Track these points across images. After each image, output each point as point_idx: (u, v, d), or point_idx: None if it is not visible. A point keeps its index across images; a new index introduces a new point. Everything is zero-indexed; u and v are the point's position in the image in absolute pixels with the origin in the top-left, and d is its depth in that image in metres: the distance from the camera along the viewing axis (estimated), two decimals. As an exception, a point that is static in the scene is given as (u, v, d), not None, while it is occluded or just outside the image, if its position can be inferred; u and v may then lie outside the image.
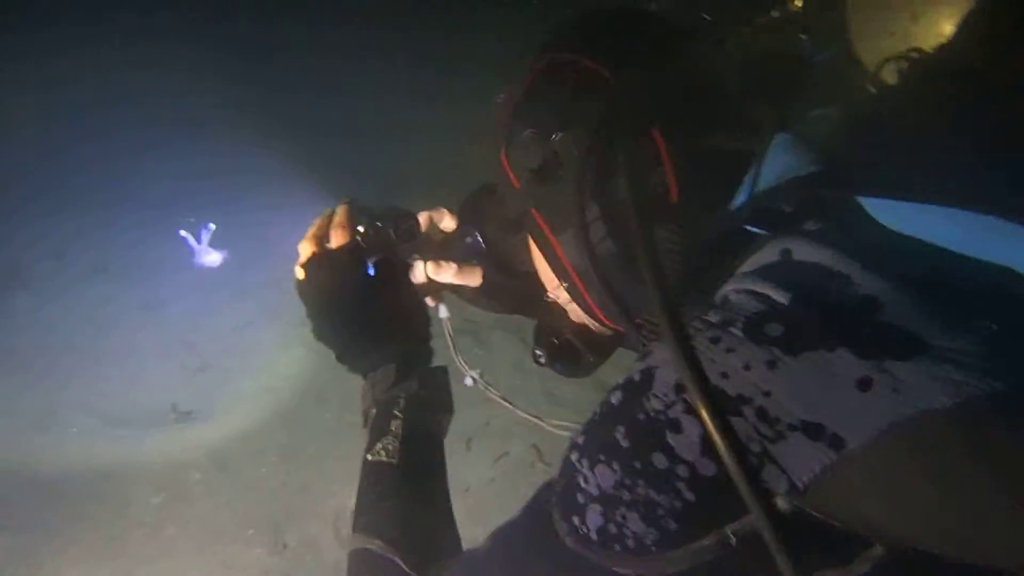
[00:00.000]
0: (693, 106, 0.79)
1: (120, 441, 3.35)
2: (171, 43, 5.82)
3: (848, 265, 0.63)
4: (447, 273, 1.04)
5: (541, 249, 0.86)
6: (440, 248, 1.06)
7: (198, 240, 4.34)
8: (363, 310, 1.00)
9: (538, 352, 1.02)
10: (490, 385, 1.13)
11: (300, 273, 1.03)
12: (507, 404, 1.15)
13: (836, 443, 0.56)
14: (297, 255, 1.05)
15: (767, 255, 0.71)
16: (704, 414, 0.56)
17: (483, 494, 3.13)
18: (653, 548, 0.60)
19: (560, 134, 0.78)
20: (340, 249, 1.01)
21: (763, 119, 0.78)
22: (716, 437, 0.55)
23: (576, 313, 0.92)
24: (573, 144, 0.77)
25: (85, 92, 5.34)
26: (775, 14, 0.96)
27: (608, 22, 0.85)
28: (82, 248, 4.47)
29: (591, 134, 0.76)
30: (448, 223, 1.07)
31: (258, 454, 3.33)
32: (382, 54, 5.58)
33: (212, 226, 4.33)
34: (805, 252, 0.67)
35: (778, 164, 0.74)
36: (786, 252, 0.69)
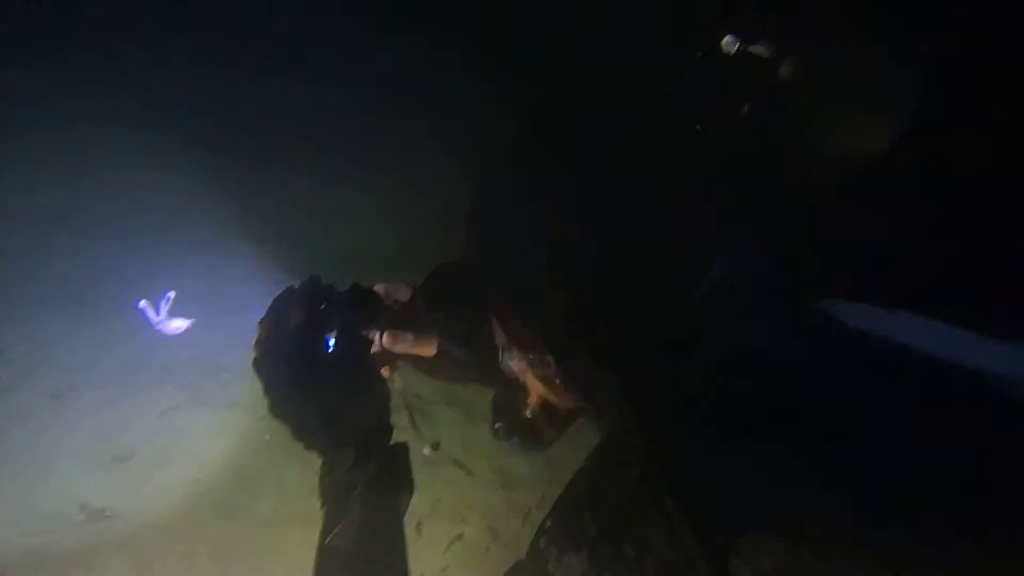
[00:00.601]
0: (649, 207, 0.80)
1: (30, 552, 2.99)
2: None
3: (792, 355, 0.64)
4: (403, 344, 1.04)
5: (506, 330, 0.86)
6: (396, 319, 1.06)
7: (156, 310, 4.06)
8: (322, 388, 0.99)
9: (497, 425, 1.04)
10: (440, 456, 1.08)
11: (257, 350, 1.03)
12: (468, 472, 1.11)
13: (796, 535, 0.57)
14: (255, 332, 1.05)
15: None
16: (674, 507, 0.55)
17: (437, 585, 2.95)
18: None
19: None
20: (300, 326, 1.00)
21: (717, 215, 0.79)
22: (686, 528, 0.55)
23: (537, 388, 0.94)
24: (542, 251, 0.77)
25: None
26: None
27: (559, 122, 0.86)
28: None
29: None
30: (404, 294, 1.08)
31: (186, 555, 3.04)
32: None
33: (172, 294, 4.07)
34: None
35: (737, 260, 0.76)
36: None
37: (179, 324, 4.06)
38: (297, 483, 3.33)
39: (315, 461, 3.44)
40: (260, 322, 1.07)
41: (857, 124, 0.84)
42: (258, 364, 1.03)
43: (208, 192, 4.94)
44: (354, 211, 4.76)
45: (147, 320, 4.03)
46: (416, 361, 1.12)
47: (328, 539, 0.95)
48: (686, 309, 0.75)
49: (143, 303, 4.00)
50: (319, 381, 1.01)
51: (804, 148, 0.89)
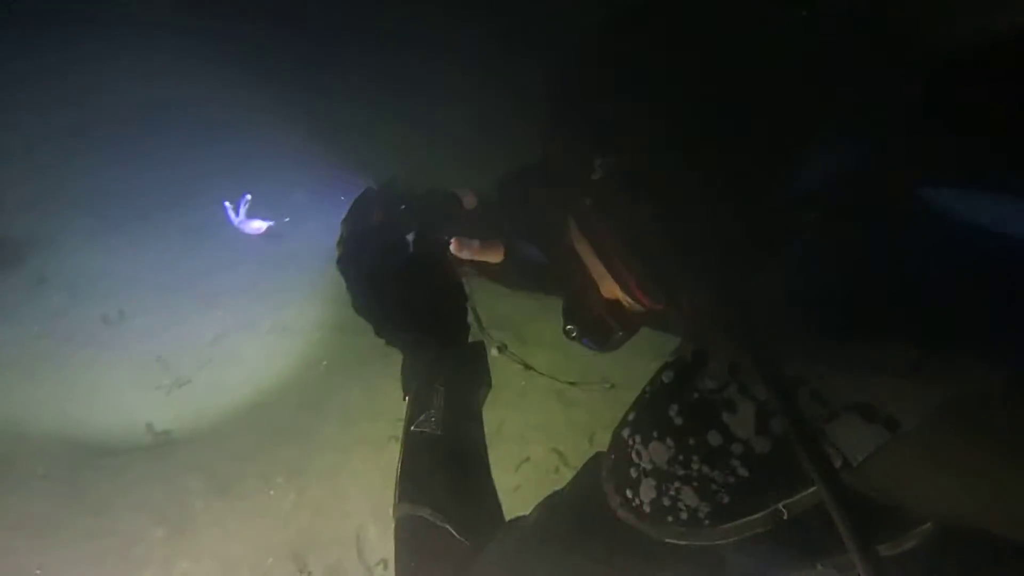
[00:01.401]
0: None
1: (102, 471, 3.05)
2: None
3: (892, 249, 0.63)
4: (468, 250, 1.06)
5: (581, 225, 0.88)
6: (463, 225, 1.08)
7: (236, 211, 4.10)
8: (405, 286, 1.02)
9: (569, 327, 1.04)
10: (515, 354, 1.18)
11: (340, 249, 1.04)
12: (539, 372, 1.21)
13: (891, 424, 0.57)
14: (337, 232, 1.06)
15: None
16: (769, 394, 0.58)
17: (510, 503, 3.06)
18: (706, 521, 0.62)
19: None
20: (383, 226, 1.03)
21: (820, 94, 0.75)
22: (780, 414, 0.57)
23: (609, 289, 0.94)
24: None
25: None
26: None
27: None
28: (20, 256, 4.02)
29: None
30: (470, 201, 1.09)
31: (260, 476, 3.11)
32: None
33: (249, 196, 4.11)
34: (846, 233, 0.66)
35: (834, 153, 0.72)
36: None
37: (259, 225, 4.12)
38: (360, 405, 3.39)
39: (373, 385, 3.39)
40: (342, 221, 1.07)
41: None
42: (341, 262, 1.05)
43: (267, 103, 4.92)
44: (428, 118, 4.63)
45: (228, 219, 4.08)
46: (482, 267, 1.11)
47: (413, 426, 0.97)
48: (781, 201, 0.74)
49: (227, 203, 4.06)
50: (402, 278, 1.03)
51: (922, 31, 0.81)
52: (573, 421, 3.35)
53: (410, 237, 1.04)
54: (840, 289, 0.62)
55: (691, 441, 0.63)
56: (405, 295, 1.02)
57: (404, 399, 1.04)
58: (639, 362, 1.15)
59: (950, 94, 0.71)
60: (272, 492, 3.04)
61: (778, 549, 0.63)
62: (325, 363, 3.62)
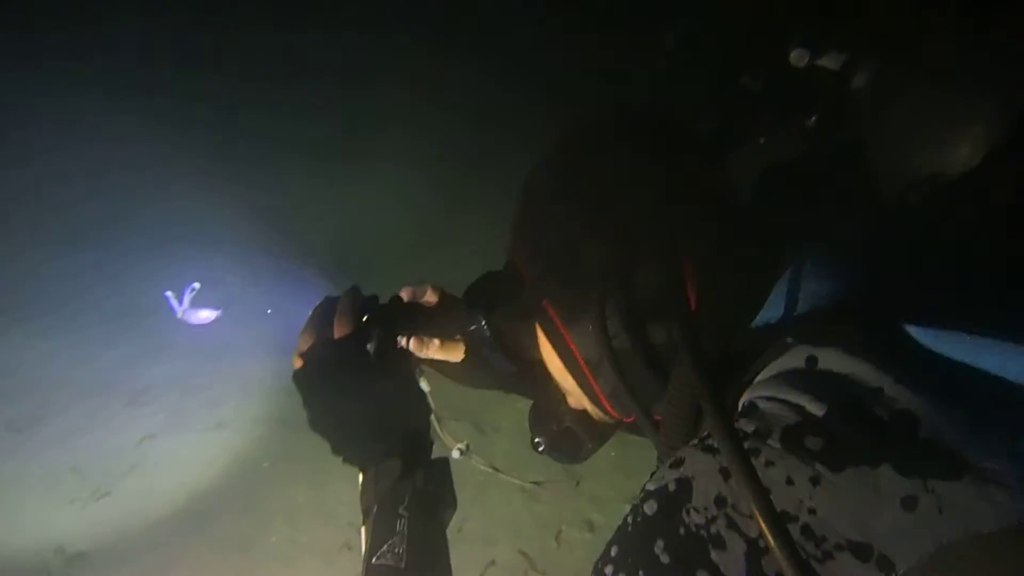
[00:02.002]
0: (713, 221, 0.83)
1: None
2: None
3: (880, 377, 0.62)
4: (430, 349, 1.05)
5: (550, 339, 0.89)
6: (422, 323, 1.07)
7: (180, 301, 3.79)
8: (367, 401, 0.99)
9: (537, 440, 1.04)
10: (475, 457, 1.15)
11: (298, 362, 1.01)
12: (500, 472, 1.17)
13: (885, 566, 0.56)
14: (293, 342, 1.03)
15: (790, 361, 0.70)
16: (769, 535, 0.55)
17: (478, 614, 2.81)
18: None
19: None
20: (345, 338, 1.00)
21: (786, 228, 0.81)
22: (781, 555, 0.55)
23: (577, 401, 0.94)
24: (595, 258, 0.83)
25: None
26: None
27: (619, 128, 0.90)
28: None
29: (611, 249, 0.82)
30: (430, 298, 1.08)
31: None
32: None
33: (196, 285, 3.79)
34: (832, 361, 0.66)
35: (816, 284, 0.74)
36: (811, 360, 0.68)
37: (207, 315, 3.81)
38: (308, 509, 3.10)
39: (322, 486, 3.11)
40: (301, 332, 1.03)
41: (934, 137, 0.84)
42: (299, 376, 1.00)
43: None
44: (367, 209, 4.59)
45: (171, 309, 3.78)
46: (441, 367, 1.09)
47: (375, 558, 0.90)
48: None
49: (169, 293, 3.77)
50: (365, 394, 0.99)
51: (874, 163, 0.90)
52: (539, 518, 3.15)
53: (371, 347, 1.00)
54: (820, 413, 0.62)
55: None
56: (369, 412, 0.99)
57: (362, 524, 0.98)
58: (602, 452, 1.07)
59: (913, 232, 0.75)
60: (210, 618, 2.69)
61: None
62: (267, 464, 3.32)
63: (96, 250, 4.20)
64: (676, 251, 0.80)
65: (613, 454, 3.42)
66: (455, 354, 1.06)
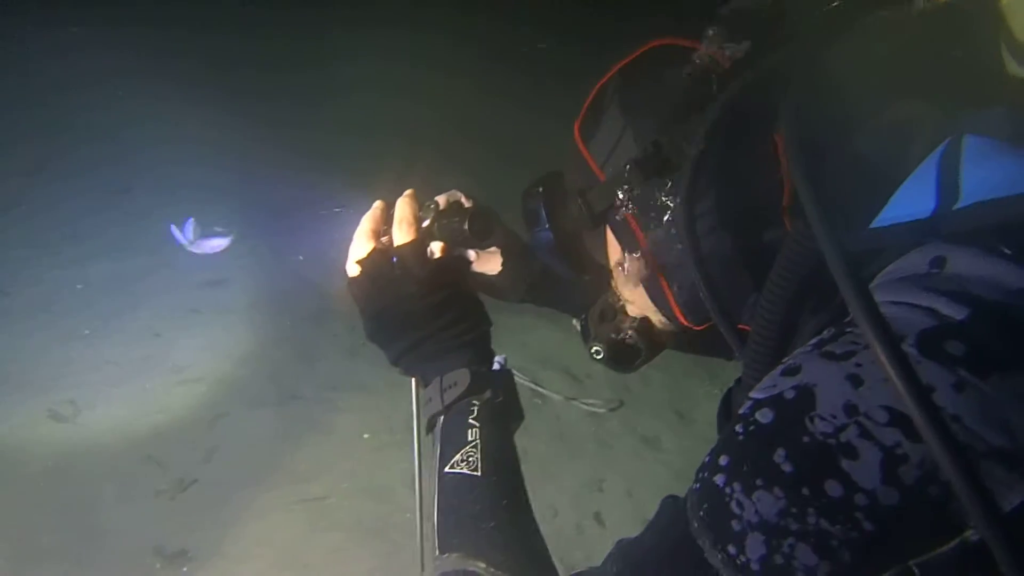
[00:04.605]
0: (826, 106, 0.74)
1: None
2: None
3: (1022, 277, 0.59)
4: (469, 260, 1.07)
5: (622, 243, 0.88)
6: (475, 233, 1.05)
7: (184, 233, 3.49)
8: (431, 310, 0.98)
9: (596, 348, 1.03)
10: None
11: (355, 270, 1.01)
12: (539, 388, 1.44)
13: None
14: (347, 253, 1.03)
15: (912, 263, 0.66)
16: (933, 438, 0.51)
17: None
18: None
19: (671, 129, 0.81)
20: (407, 246, 1.00)
21: (920, 120, 0.74)
22: (946, 459, 0.50)
23: (640, 309, 0.94)
24: (686, 141, 0.78)
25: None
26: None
27: (729, 12, 0.84)
28: None
29: (706, 132, 0.77)
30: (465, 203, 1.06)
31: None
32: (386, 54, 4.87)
33: (192, 219, 3.51)
34: (964, 263, 0.62)
35: (987, 176, 0.66)
36: (938, 261, 0.64)
37: (217, 243, 3.34)
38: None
39: None
40: (356, 239, 1.02)
41: None
42: (358, 285, 1.01)
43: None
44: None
45: (176, 242, 3.34)
46: (477, 280, 1.09)
47: (448, 468, 0.90)
48: None
49: (173, 226, 3.35)
50: (429, 302, 0.97)
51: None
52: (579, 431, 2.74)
53: (435, 254, 1.01)
54: (961, 317, 0.58)
55: (805, 491, 0.56)
56: (433, 322, 0.98)
57: (427, 434, 0.99)
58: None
59: None
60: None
61: None
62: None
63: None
64: (781, 142, 0.74)
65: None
66: (492, 265, 1.09)
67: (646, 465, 2.59)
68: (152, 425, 2.73)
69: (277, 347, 3.10)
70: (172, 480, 2.53)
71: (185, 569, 2.29)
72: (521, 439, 2.85)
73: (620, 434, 2.75)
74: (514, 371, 1.07)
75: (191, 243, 3.43)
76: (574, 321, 1.16)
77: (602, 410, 2.81)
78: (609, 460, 2.63)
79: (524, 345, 3.05)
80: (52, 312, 3.31)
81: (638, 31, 0.90)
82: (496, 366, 1.08)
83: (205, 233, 3.46)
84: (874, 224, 0.70)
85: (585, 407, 2.78)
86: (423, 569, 1.12)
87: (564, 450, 2.63)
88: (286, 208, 3.85)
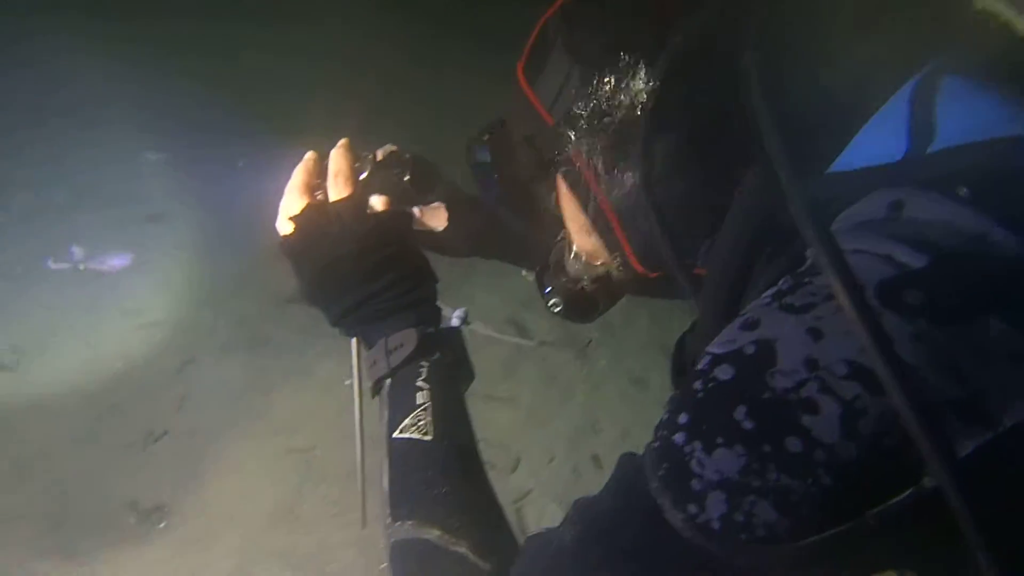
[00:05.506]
0: (791, 38, 0.73)
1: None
2: None
3: (981, 222, 0.58)
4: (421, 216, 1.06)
5: (574, 190, 0.84)
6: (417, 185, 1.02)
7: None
8: (372, 269, 0.93)
9: (553, 301, 1.02)
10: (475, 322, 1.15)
11: (288, 227, 0.96)
12: (501, 336, 1.43)
13: (989, 422, 0.55)
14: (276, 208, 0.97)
15: (869, 208, 0.65)
16: (897, 391, 0.51)
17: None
18: (786, 537, 0.57)
19: (620, 66, 0.75)
20: (345, 201, 0.95)
21: (888, 56, 0.71)
22: (910, 412, 0.51)
23: (595, 258, 0.92)
24: (639, 77, 0.75)
25: None
26: None
27: None
28: None
29: (665, 65, 0.73)
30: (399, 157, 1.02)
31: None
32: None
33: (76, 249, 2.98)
34: (921, 207, 0.62)
35: (961, 119, 0.65)
36: (896, 205, 0.63)
37: (118, 261, 2.92)
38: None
39: None
40: (287, 194, 0.97)
41: None
42: (291, 244, 0.96)
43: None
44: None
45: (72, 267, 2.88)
46: (422, 237, 1.05)
47: (398, 432, 0.87)
48: None
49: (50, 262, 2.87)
50: (369, 260, 0.93)
51: None
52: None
53: (376, 209, 0.96)
54: (920, 265, 0.58)
55: (766, 448, 0.56)
56: (374, 281, 0.93)
57: (372, 398, 0.95)
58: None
59: None
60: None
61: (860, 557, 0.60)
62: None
63: None
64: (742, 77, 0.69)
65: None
66: (436, 220, 1.05)
67: (638, 405, 2.59)
68: (111, 373, 2.52)
69: (240, 288, 2.91)
70: (140, 431, 2.36)
71: (163, 524, 2.15)
72: (509, 385, 2.82)
73: (609, 374, 2.73)
74: (474, 322, 1.07)
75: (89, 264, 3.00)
76: (523, 272, 1.15)
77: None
78: (601, 402, 2.61)
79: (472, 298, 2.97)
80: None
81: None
82: (456, 320, 1.08)
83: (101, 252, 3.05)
84: (839, 165, 0.69)
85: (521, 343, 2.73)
86: (364, 526, 1.16)
87: (555, 394, 2.62)
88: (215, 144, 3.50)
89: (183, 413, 2.44)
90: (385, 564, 0.82)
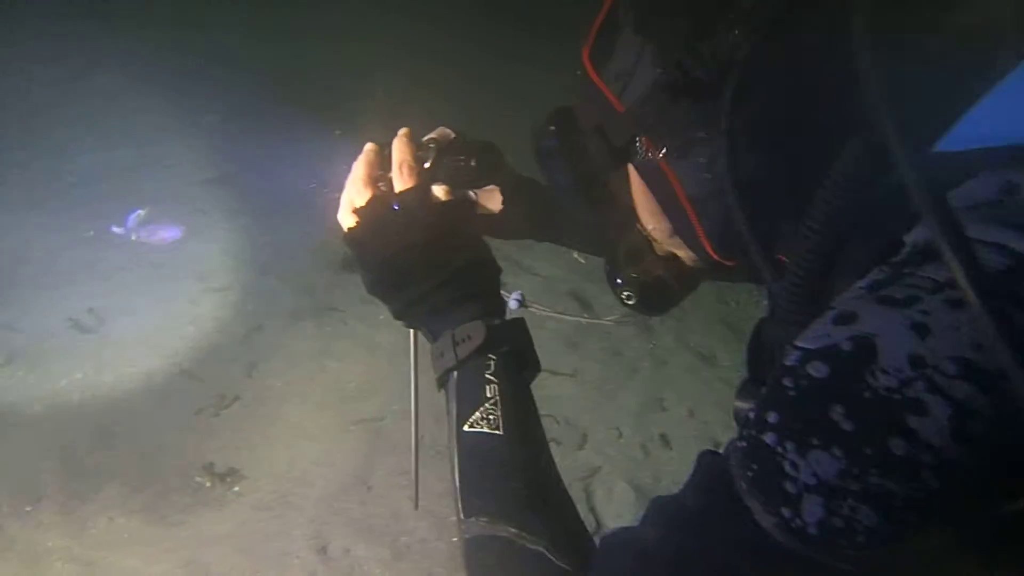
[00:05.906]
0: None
1: None
2: None
3: None
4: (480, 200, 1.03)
5: (646, 178, 0.82)
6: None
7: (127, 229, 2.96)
8: (439, 261, 0.92)
9: (627, 293, 0.99)
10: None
11: (351, 220, 0.95)
12: (563, 315, 1.37)
13: None
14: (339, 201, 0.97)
15: (978, 189, 0.61)
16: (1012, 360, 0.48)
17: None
18: (888, 542, 0.54)
19: (697, 45, 0.72)
20: (410, 191, 0.94)
21: (1003, 26, 0.67)
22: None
23: (667, 247, 0.90)
24: (718, 53, 0.71)
25: None
26: None
27: None
28: None
29: (755, 28, 0.70)
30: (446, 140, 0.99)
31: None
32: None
33: (140, 211, 2.99)
34: None
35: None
36: (1010, 187, 0.60)
37: (164, 236, 2.91)
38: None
39: None
40: (349, 186, 0.96)
41: None
42: (356, 235, 0.94)
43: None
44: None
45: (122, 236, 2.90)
46: (479, 220, 1.04)
47: (468, 426, 0.85)
48: None
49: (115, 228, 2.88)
50: (435, 250, 0.91)
51: None
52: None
53: (442, 199, 0.95)
54: None
55: (867, 451, 0.53)
56: (440, 272, 0.92)
57: (439, 391, 0.92)
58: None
59: None
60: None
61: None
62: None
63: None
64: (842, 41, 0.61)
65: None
66: (494, 203, 1.05)
67: (704, 383, 2.55)
68: (183, 337, 2.57)
69: (304, 255, 2.93)
70: (213, 396, 2.40)
71: (237, 488, 2.21)
72: (573, 359, 2.78)
73: (674, 349, 2.70)
74: (533, 304, 1.09)
75: (140, 235, 3.00)
76: (576, 254, 1.19)
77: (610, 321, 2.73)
78: (666, 378, 2.58)
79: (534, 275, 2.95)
80: (45, 208, 3.05)
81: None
82: (514, 303, 1.13)
83: (152, 223, 3.04)
84: (948, 143, 0.65)
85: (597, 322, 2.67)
86: (416, 507, 1.21)
87: (619, 370, 2.60)
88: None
89: (253, 379, 2.48)
90: (456, 539, 0.80)
